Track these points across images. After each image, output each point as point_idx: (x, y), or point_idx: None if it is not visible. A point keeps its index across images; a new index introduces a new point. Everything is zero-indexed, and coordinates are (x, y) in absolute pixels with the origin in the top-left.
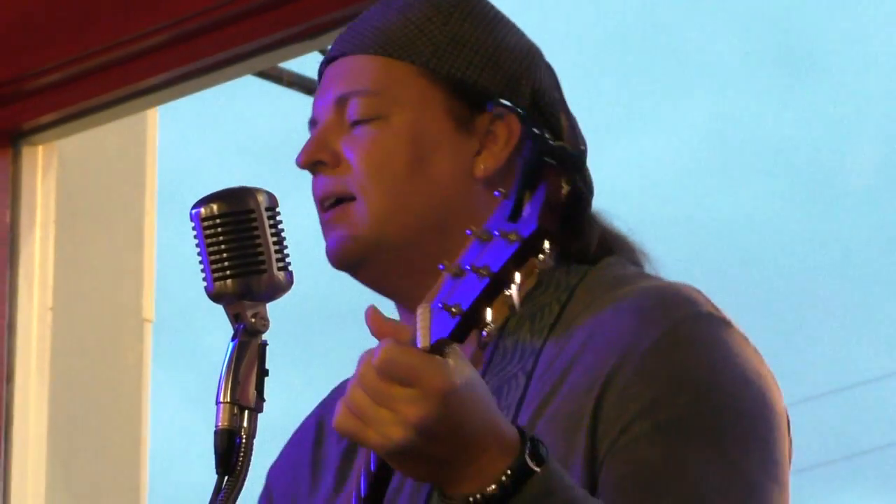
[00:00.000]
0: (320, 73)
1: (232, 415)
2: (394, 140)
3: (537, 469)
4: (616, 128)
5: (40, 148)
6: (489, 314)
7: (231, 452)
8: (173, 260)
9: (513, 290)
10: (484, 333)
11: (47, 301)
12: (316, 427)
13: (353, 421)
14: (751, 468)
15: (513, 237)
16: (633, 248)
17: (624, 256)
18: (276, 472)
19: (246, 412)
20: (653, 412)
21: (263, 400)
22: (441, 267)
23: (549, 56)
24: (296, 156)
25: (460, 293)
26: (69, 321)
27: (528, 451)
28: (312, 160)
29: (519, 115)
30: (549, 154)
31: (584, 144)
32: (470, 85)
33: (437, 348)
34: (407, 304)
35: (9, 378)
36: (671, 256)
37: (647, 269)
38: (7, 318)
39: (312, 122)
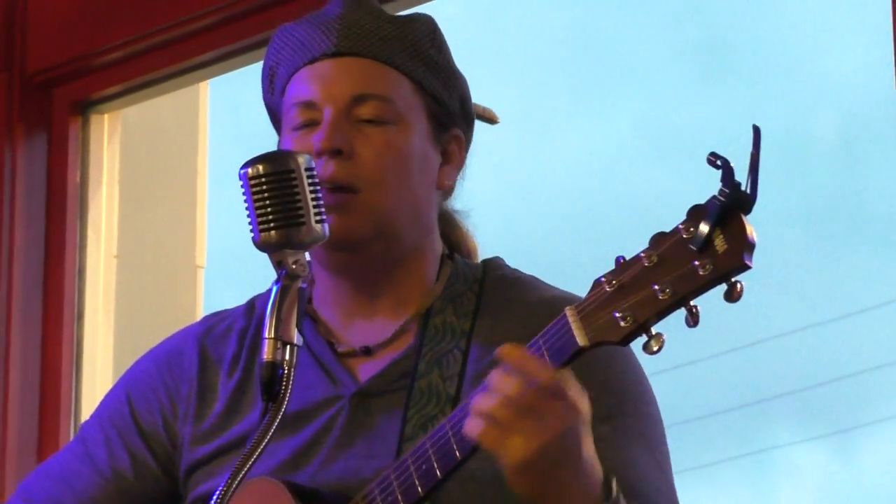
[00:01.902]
0: (301, 58)
1: (276, 349)
2: (402, 145)
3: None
4: (563, 118)
5: (106, 116)
6: (654, 328)
7: (275, 382)
8: (223, 214)
9: (698, 309)
10: (654, 344)
11: (112, 250)
12: (199, 354)
13: (493, 431)
14: (667, 466)
15: (709, 268)
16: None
17: (473, 257)
18: (140, 383)
19: (287, 347)
20: (608, 418)
21: (303, 336)
22: (601, 279)
23: (507, 57)
24: (317, 139)
25: (634, 306)
26: (131, 267)
27: (611, 489)
28: (335, 147)
29: (467, 139)
30: (739, 199)
31: (757, 191)
32: (443, 106)
33: (581, 353)
34: (361, 288)
35: (79, 316)
36: (608, 229)
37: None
38: (77, 264)
39: (309, 104)
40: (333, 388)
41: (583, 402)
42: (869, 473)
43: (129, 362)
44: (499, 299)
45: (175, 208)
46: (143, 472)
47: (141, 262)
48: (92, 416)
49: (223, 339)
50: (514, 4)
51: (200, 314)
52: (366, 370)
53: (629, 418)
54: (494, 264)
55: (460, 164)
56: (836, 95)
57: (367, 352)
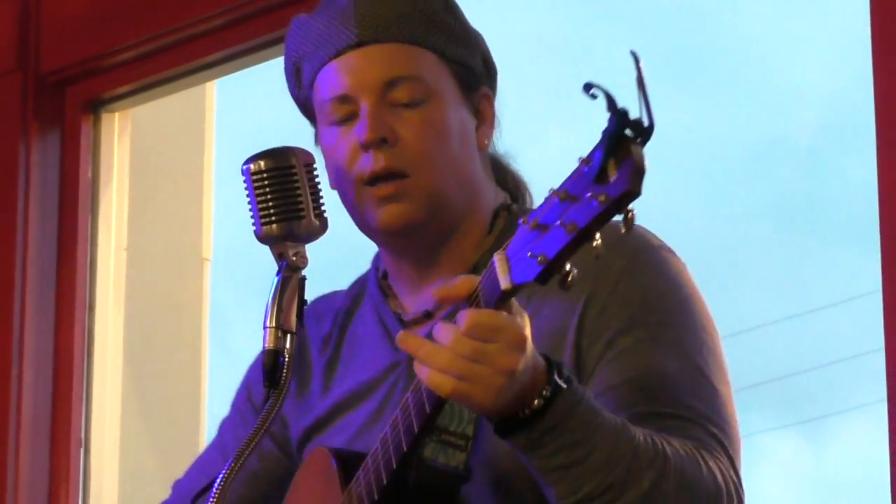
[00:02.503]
0: (331, 57)
1: (277, 337)
2: (440, 121)
3: (565, 385)
4: (539, 123)
5: (117, 115)
6: (568, 264)
7: (276, 369)
8: (229, 208)
9: (598, 242)
10: (569, 278)
11: (122, 242)
12: (300, 335)
13: (455, 383)
14: (710, 373)
15: (602, 198)
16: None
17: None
18: (257, 371)
19: (288, 335)
20: (632, 330)
21: (303, 325)
22: (520, 221)
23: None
24: (360, 133)
25: (545, 244)
26: (140, 259)
27: (556, 373)
28: (381, 136)
29: (494, 91)
30: (631, 127)
31: (652, 116)
32: (468, 69)
33: (511, 293)
34: (421, 262)
35: (90, 307)
36: None
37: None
38: (89, 256)
39: (344, 98)
40: (395, 354)
41: (526, 329)
42: (837, 460)
43: (139, 350)
44: None
45: (182, 203)
46: (265, 454)
47: (150, 254)
48: (227, 413)
49: (322, 319)
50: (490, 10)
51: (207, 305)
52: (426, 333)
53: (657, 328)
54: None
55: (493, 119)
56: (805, 100)
57: (428, 315)
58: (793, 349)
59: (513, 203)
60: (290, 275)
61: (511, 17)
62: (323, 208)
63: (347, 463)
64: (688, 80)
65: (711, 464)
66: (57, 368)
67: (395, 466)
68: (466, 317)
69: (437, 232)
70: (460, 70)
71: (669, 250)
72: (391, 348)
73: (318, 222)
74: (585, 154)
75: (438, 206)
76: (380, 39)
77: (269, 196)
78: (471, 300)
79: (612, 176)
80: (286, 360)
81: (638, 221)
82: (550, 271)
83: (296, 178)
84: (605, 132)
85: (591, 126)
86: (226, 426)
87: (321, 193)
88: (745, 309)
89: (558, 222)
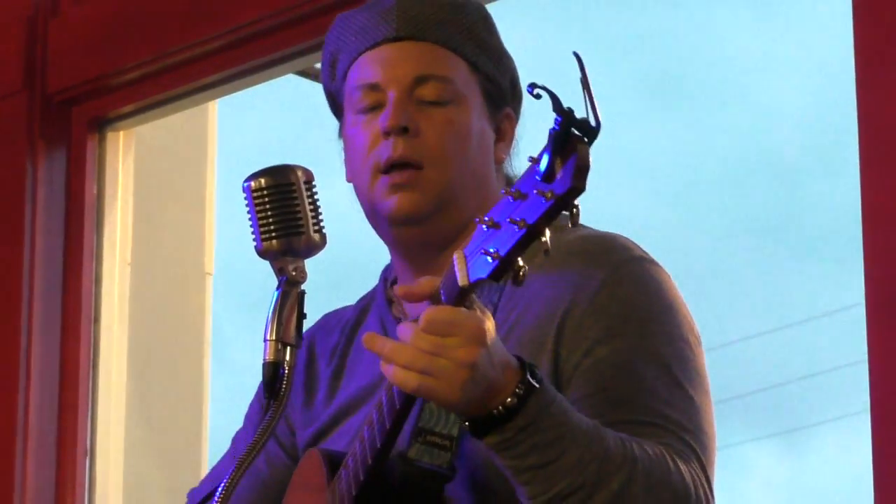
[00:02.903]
0: (362, 44)
1: (276, 350)
2: (462, 123)
3: (537, 385)
4: (523, 144)
5: (122, 133)
6: (520, 260)
7: (276, 381)
8: (230, 224)
9: (547, 238)
10: (521, 274)
11: (126, 257)
12: (308, 349)
13: (419, 378)
14: (686, 382)
15: (549, 195)
16: None
17: None
18: None
19: (288, 348)
20: (609, 340)
21: (302, 338)
22: (476, 220)
23: None
24: (383, 119)
25: (498, 241)
26: (144, 274)
27: (528, 373)
28: (402, 125)
29: (517, 114)
30: (576, 126)
31: (598, 116)
32: (497, 85)
33: (469, 291)
34: (423, 262)
35: (95, 320)
36: None
37: None
38: (94, 271)
39: (374, 87)
40: None
41: (486, 324)
42: (812, 470)
43: (143, 362)
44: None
45: (185, 219)
46: (274, 461)
47: (153, 269)
48: (242, 426)
49: (331, 333)
50: None
51: (209, 318)
52: None
53: (634, 338)
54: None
55: (511, 139)
56: (784, 120)
57: None
58: (773, 362)
59: None
60: (290, 289)
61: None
62: (322, 224)
63: (334, 463)
64: (672, 101)
65: (682, 468)
66: (63, 379)
67: (370, 463)
68: (424, 313)
69: (447, 231)
70: (488, 84)
71: (652, 261)
72: None
73: (317, 238)
74: (535, 154)
75: (447, 203)
76: (416, 37)
77: (269, 212)
78: (433, 299)
79: (559, 173)
80: (286, 371)
81: (625, 234)
82: (503, 267)
83: (295, 195)
84: (551, 132)
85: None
86: (239, 437)
87: (320, 210)
88: (726, 322)
89: (509, 219)
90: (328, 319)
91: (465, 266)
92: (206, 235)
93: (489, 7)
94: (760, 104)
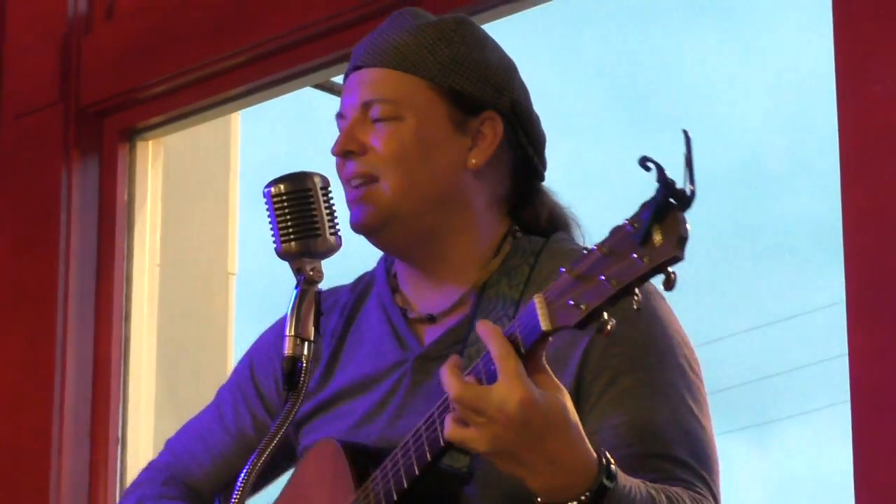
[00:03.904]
0: (346, 76)
1: (295, 345)
2: (408, 136)
3: (610, 485)
4: None
5: (151, 143)
6: (606, 314)
7: (295, 373)
8: (252, 227)
9: (639, 297)
10: (607, 327)
11: (155, 258)
12: None
13: (459, 431)
14: (698, 413)
15: (647, 259)
16: (573, 221)
17: (568, 230)
18: (261, 352)
19: (306, 343)
20: (632, 371)
21: (320, 334)
22: (562, 270)
23: None
24: (331, 147)
25: (587, 294)
26: (172, 274)
27: (604, 473)
28: (345, 150)
29: (507, 117)
30: (674, 196)
31: (694, 188)
32: (465, 95)
33: (549, 335)
34: (414, 263)
35: (126, 317)
36: None
37: (581, 239)
38: (125, 271)
39: (340, 116)
40: (402, 352)
41: (547, 396)
42: (781, 461)
43: (171, 357)
44: (549, 269)
45: (210, 222)
46: (262, 429)
47: (180, 269)
48: (226, 381)
49: (329, 314)
50: None
51: (232, 315)
52: (430, 335)
53: (654, 371)
54: (556, 237)
55: (493, 142)
56: (744, 137)
57: (432, 319)
58: (741, 361)
59: (518, 230)
60: (308, 288)
61: None
62: (338, 227)
63: (357, 459)
64: (644, 118)
65: None
66: (96, 373)
67: (417, 474)
68: (450, 391)
69: (410, 235)
70: (453, 95)
71: (659, 295)
72: (397, 346)
73: (333, 240)
74: (630, 216)
75: (399, 210)
76: (370, 64)
77: (288, 216)
78: (510, 342)
79: (658, 240)
80: (304, 365)
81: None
82: (590, 319)
83: (312, 200)
84: (653, 200)
85: (549, 164)
86: (225, 398)
87: (336, 214)
88: (699, 324)
89: (602, 276)
90: (324, 298)
91: (546, 311)
92: (230, 238)
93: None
94: (726, 121)
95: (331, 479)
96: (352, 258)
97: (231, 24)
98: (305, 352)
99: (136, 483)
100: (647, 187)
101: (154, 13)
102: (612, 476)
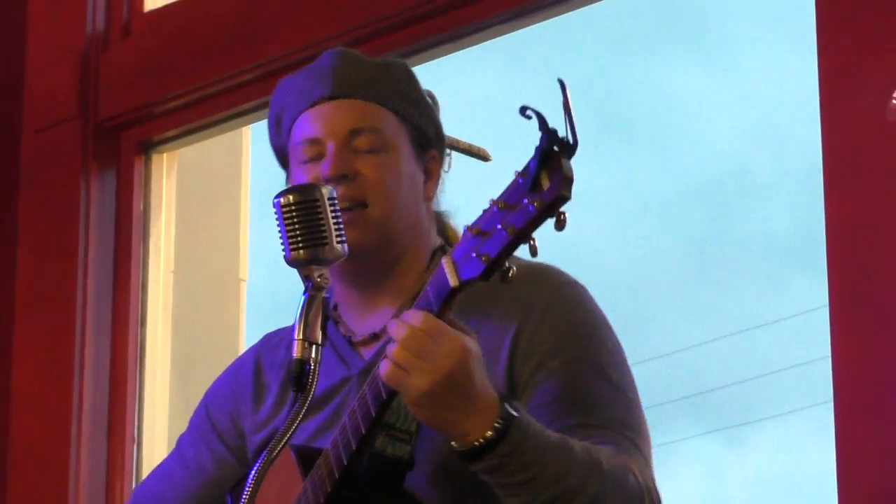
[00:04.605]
0: (307, 106)
1: (304, 348)
2: (394, 166)
3: (516, 414)
4: (475, 178)
5: (165, 155)
6: (507, 262)
7: (303, 375)
8: (262, 235)
9: (534, 241)
10: (509, 273)
11: (170, 265)
12: (254, 363)
13: (396, 371)
14: (624, 385)
15: (537, 203)
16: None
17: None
18: (214, 395)
19: (314, 346)
20: (559, 353)
21: (327, 338)
22: (465, 228)
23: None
24: (324, 168)
25: (487, 246)
26: (186, 280)
27: (507, 402)
28: (343, 172)
29: (445, 155)
30: (558, 144)
31: (576, 136)
32: (422, 131)
33: (458, 290)
34: (366, 287)
35: (142, 322)
36: None
37: None
38: (141, 278)
39: (314, 141)
40: (347, 370)
41: (468, 341)
42: (758, 460)
43: (185, 361)
44: None
45: (222, 231)
46: (221, 462)
47: (194, 276)
48: (184, 431)
49: (276, 348)
50: (429, 70)
51: (243, 319)
52: (370, 351)
53: (579, 350)
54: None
55: (438, 178)
56: (712, 157)
57: (375, 337)
58: (720, 365)
59: (447, 245)
60: (315, 294)
61: (446, 80)
62: (343, 236)
63: (306, 457)
64: (619, 139)
65: (633, 467)
66: (113, 374)
67: (354, 449)
68: (413, 317)
69: (383, 260)
70: (415, 131)
71: (581, 285)
72: (342, 365)
73: (339, 248)
74: (520, 169)
75: (387, 237)
76: (348, 95)
77: (296, 226)
78: (421, 301)
79: (546, 184)
80: (311, 367)
81: (581, 257)
82: (493, 268)
83: (319, 210)
84: (538, 148)
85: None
86: (184, 440)
87: (342, 223)
88: (672, 334)
89: (499, 226)
90: (270, 338)
91: (454, 269)
92: (241, 246)
93: (451, 56)
94: (696, 142)
95: (284, 478)
96: None
97: (241, 42)
98: (314, 355)
99: None
100: (623, 201)
101: (168, 32)
102: (515, 407)
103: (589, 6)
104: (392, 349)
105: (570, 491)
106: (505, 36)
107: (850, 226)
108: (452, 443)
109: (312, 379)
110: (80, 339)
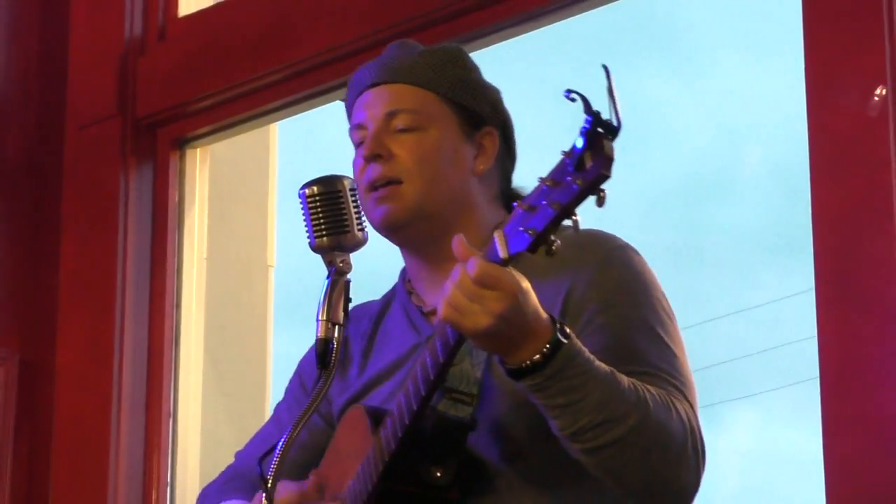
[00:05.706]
0: (355, 97)
1: (327, 328)
2: (430, 144)
3: (565, 341)
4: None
5: (199, 150)
6: (553, 236)
7: (326, 354)
8: (288, 224)
9: (578, 217)
10: (553, 247)
11: (203, 253)
12: (343, 336)
13: (453, 313)
14: (670, 341)
15: (580, 181)
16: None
17: None
18: (305, 365)
19: (336, 327)
20: (607, 310)
21: (349, 319)
22: (515, 205)
23: None
24: (363, 149)
25: (535, 220)
26: (218, 266)
27: (558, 331)
28: (377, 152)
29: (500, 132)
30: (602, 126)
31: (620, 118)
32: (470, 111)
33: (508, 262)
34: (426, 258)
35: (177, 305)
36: None
37: None
38: (176, 265)
39: (359, 127)
40: (418, 337)
41: (519, 280)
42: (729, 438)
43: (217, 340)
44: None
45: (251, 221)
46: (314, 429)
47: (225, 262)
48: (282, 398)
49: (361, 321)
50: None
51: (271, 302)
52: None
53: (627, 308)
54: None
55: (493, 153)
56: (690, 159)
57: None
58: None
59: None
60: (338, 278)
61: None
62: (364, 224)
63: (377, 416)
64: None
65: (678, 406)
66: (150, 354)
67: (415, 409)
68: (476, 264)
69: (428, 232)
70: (461, 111)
71: (632, 248)
72: (414, 333)
73: (360, 235)
74: (567, 149)
75: (423, 210)
76: (389, 81)
77: (320, 215)
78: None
79: (588, 163)
80: (334, 346)
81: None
82: (539, 241)
83: (342, 200)
84: (583, 130)
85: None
86: (281, 408)
87: (363, 212)
88: None
89: (545, 202)
90: (357, 311)
91: (504, 242)
92: (269, 234)
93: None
94: (671, 145)
95: (358, 437)
96: (378, 258)
97: (270, 44)
98: (336, 334)
99: (202, 494)
100: (609, 200)
101: (202, 35)
102: (566, 335)
103: (566, 19)
104: (448, 291)
105: (611, 420)
106: (505, 41)
107: (834, 215)
108: (504, 361)
109: (335, 357)
110: (119, 321)
